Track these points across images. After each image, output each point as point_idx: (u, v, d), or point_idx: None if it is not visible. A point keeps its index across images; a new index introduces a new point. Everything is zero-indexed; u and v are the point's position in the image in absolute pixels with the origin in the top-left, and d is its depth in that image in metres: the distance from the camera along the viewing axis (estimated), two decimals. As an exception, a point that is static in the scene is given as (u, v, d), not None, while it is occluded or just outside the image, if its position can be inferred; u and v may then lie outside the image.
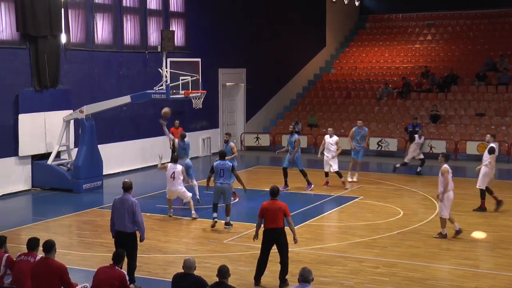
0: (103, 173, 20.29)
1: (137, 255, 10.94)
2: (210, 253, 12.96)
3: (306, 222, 15.45)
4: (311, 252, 13.01)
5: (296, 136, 19.19)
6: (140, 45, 23.60)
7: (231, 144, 17.92)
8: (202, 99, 19.15)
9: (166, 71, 18.43)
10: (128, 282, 9.24)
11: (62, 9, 20.14)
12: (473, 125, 27.50)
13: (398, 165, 22.54)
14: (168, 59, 18.61)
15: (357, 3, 36.12)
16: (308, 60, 34.39)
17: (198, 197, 16.99)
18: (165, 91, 18.30)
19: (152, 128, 23.06)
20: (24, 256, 9.38)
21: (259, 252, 11.14)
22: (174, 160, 16.03)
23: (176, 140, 17.90)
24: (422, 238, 14.13)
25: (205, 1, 26.69)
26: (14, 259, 9.60)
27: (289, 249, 11.13)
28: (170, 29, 23.65)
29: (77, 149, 19.83)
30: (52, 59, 19.77)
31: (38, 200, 18.66)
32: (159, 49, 19.28)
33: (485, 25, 34.92)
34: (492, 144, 16.73)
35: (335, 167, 19.52)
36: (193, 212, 15.74)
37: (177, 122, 20.96)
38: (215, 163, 14.92)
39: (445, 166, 13.88)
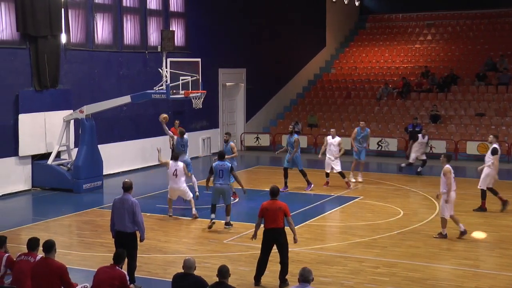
0: (103, 173, 20.29)
1: (137, 255, 10.94)
2: (210, 253, 12.96)
3: (306, 222, 15.45)
4: (311, 252, 13.01)
5: (295, 136, 19.18)
6: (140, 45, 23.60)
7: (231, 144, 17.95)
8: (202, 99, 19.17)
9: (166, 71, 18.43)
10: (128, 282, 9.24)
11: (62, 9, 20.14)
12: (473, 125, 27.50)
13: (403, 165, 22.50)
14: (168, 59, 18.62)
15: (357, 3, 36.11)
16: (308, 60, 34.39)
17: (197, 193, 17.04)
18: (165, 91, 18.32)
19: (152, 128, 23.06)
20: (24, 256, 9.38)
21: (259, 252, 11.14)
22: (174, 157, 16.05)
23: (175, 137, 17.99)
24: (422, 238, 14.12)
25: (205, 1, 26.69)
26: (14, 259, 9.60)
27: (289, 249, 11.13)
28: (170, 29, 23.65)
29: (77, 149, 19.83)
30: (52, 59, 19.78)
31: (38, 200, 18.66)
32: (159, 49, 19.30)
33: (485, 25, 34.91)
34: (495, 145, 16.69)
35: (338, 168, 19.51)
36: (193, 210, 15.76)
37: (177, 122, 20.91)
38: (214, 164, 14.91)
39: (447, 166, 13.88)
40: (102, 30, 22.05)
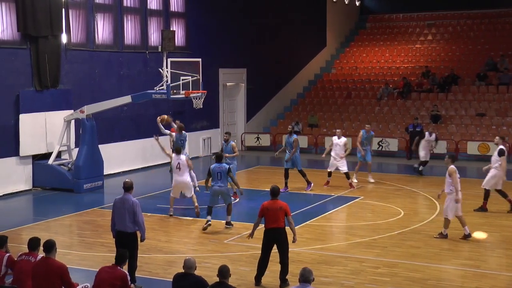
0: (104, 173, 20.29)
1: (138, 255, 10.95)
2: (210, 253, 12.96)
3: (307, 222, 15.45)
4: (312, 252, 13.01)
5: (294, 136, 19.18)
6: (141, 45, 23.61)
7: (232, 143, 17.96)
8: (203, 99, 19.16)
9: (167, 71, 18.44)
10: (129, 282, 9.25)
11: (63, 9, 20.15)
12: (473, 125, 27.49)
13: (416, 166, 22.22)
14: (169, 59, 18.63)
15: (357, 3, 36.13)
16: (308, 60, 34.39)
17: (197, 188, 17.08)
18: (165, 91, 18.33)
19: (152, 128, 22.90)
20: (25, 256, 9.39)
21: (260, 252, 11.14)
22: (177, 151, 16.11)
23: (174, 134, 18.07)
24: (422, 238, 14.12)
25: (205, 1, 26.69)
26: (15, 259, 9.60)
27: (290, 249, 11.13)
28: (171, 29, 23.64)
29: (77, 149, 19.83)
30: (53, 59, 19.78)
31: (38, 200, 18.66)
32: (159, 49, 19.32)
33: (486, 25, 34.90)
34: (501, 146, 16.65)
35: (344, 168, 19.53)
36: (196, 205, 15.78)
37: (177, 122, 20.96)
38: (212, 166, 14.85)
39: (452, 166, 13.87)
40: (103, 30, 22.06)
